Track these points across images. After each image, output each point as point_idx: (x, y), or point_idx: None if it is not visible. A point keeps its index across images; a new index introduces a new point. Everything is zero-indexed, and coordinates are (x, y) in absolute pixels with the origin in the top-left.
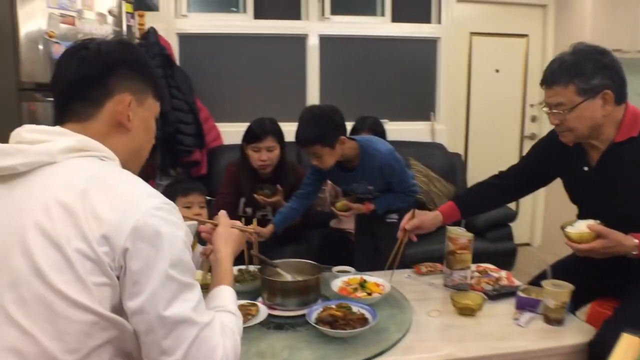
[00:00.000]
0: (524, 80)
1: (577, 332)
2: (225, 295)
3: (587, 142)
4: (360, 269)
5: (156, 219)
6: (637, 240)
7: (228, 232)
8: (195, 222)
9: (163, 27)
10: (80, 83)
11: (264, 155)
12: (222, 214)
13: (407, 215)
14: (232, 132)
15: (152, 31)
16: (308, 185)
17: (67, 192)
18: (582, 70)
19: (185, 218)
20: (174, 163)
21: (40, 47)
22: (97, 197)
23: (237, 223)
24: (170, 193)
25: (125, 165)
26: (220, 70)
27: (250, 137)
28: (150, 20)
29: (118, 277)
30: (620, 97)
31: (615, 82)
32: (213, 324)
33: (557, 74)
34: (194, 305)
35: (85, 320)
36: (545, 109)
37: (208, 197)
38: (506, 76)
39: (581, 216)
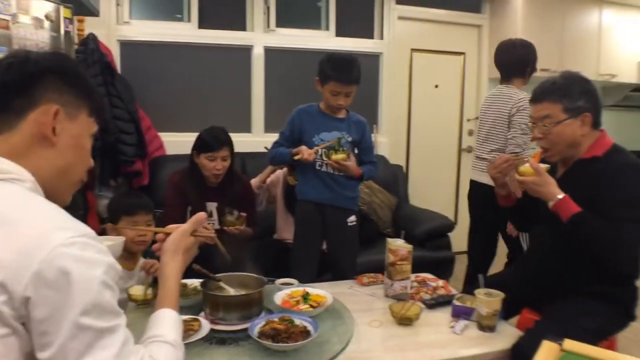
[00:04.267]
0: (461, 96)
1: (508, 337)
2: (165, 322)
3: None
4: (301, 279)
5: (64, 258)
6: (560, 196)
7: (177, 243)
8: (121, 240)
9: (104, 34)
10: (2, 91)
11: (219, 165)
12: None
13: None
14: (175, 142)
15: (92, 37)
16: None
17: None
18: (570, 92)
19: (115, 235)
20: (114, 173)
21: None
22: None
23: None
24: (115, 211)
25: (50, 185)
26: (163, 79)
27: (206, 147)
28: (91, 26)
29: (25, 324)
30: (597, 121)
31: (595, 107)
32: None
33: (548, 91)
34: (117, 351)
35: None
36: (530, 123)
37: (156, 210)
38: (445, 91)
39: (541, 218)
